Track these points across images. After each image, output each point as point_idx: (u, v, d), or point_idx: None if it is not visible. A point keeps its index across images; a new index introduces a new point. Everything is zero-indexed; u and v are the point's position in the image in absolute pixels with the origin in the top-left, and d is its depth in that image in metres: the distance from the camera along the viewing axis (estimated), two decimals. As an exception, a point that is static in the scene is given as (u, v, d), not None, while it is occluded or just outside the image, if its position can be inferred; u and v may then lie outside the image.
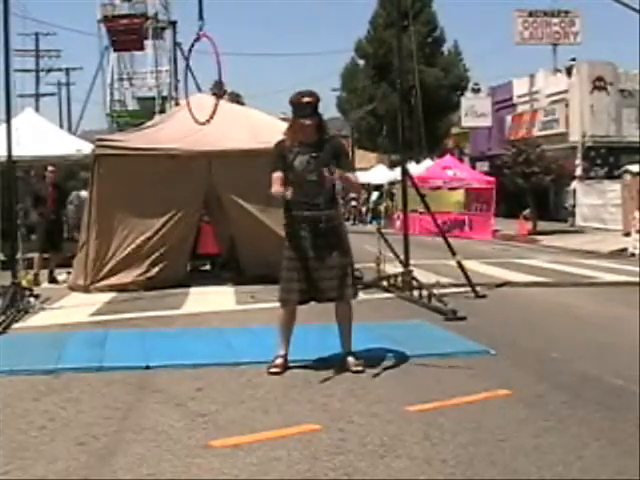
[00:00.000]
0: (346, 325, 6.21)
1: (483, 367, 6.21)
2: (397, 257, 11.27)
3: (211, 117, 9.63)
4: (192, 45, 10.00)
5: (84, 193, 14.15)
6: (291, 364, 6.06)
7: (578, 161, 32.42)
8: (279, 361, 5.99)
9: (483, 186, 29.30)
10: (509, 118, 38.61)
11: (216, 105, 9.70)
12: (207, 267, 13.95)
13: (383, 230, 13.41)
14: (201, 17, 11.35)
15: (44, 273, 12.63)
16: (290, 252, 5.99)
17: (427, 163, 33.13)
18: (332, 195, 6.07)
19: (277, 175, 6.00)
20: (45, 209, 12.97)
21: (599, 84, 33.30)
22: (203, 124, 9.94)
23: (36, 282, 12.05)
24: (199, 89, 12.36)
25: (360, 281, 11.71)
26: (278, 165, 6.02)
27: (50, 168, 13.13)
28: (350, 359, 6.09)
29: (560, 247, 21.95)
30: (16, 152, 10.47)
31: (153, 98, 33.82)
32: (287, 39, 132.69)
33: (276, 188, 5.98)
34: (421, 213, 23.02)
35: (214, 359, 6.40)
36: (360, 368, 5.99)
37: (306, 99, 5.95)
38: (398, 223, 23.73)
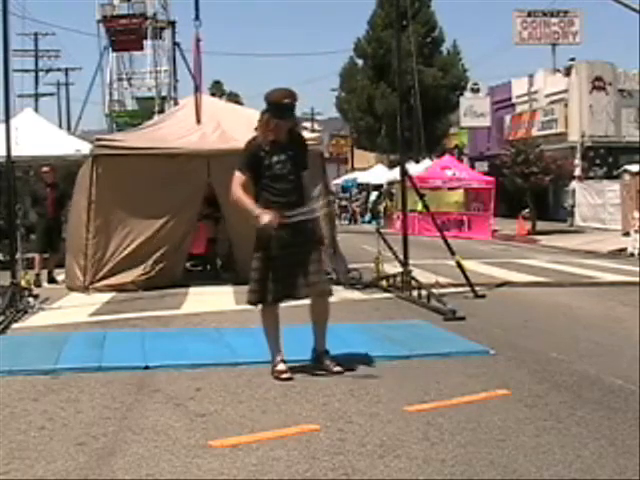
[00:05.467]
0: (322, 323, 6.07)
1: (482, 367, 6.21)
2: (396, 257, 11.26)
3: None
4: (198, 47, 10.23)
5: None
6: (290, 364, 6.04)
7: (577, 161, 32.41)
8: (283, 366, 5.84)
9: (482, 186, 29.34)
10: (508, 118, 38.63)
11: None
12: (199, 267, 13.88)
13: (382, 230, 13.43)
14: (197, 17, 11.39)
15: (43, 273, 12.63)
16: (264, 252, 5.86)
17: (426, 163, 33.17)
18: (304, 192, 5.97)
19: (242, 177, 5.87)
20: (44, 209, 12.96)
21: (598, 84, 33.32)
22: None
23: (37, 283, 12.04)
24: (198, 89, 12.31)
25: (359, 281, 11.78)
26: (248, 164, 5.90)
27: (44, 169, 13.11)
28: (328, 361, 5.99)
29: (559, 247, 21.96)
30: (15, 152, 10.47)
31: (152, 98, 33.78)
32: (286, 39, 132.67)
33: (239, 194, 5.84)
34: (420, 213, 23.11)
35: (213, 359, 6.40)
36: (340, 369, 5.90)
37: (287, 100, 5.84)
38: (397, 223, 23.74)
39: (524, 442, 4.34)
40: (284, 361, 5.90)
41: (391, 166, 37.93)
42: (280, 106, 5.84)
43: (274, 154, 5.86)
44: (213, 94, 43.93)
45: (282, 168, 5.86)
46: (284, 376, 5.75)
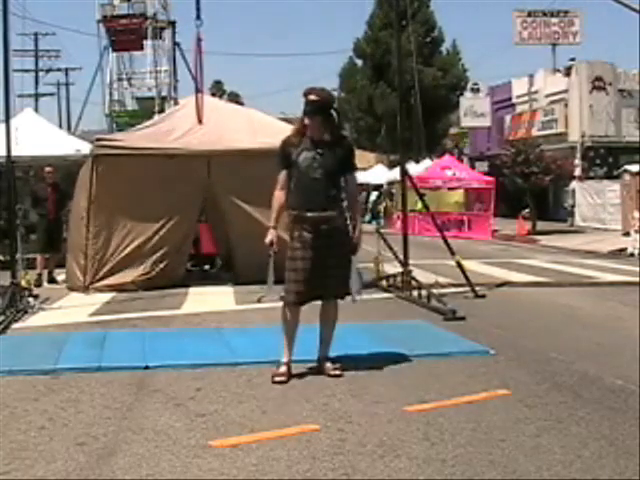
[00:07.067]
0: (330, 327, 6.05)
1: (482, 367, 6.21)
2: (396, 257, 11.26)
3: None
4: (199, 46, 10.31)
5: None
6: (292, 364, 6.02)
7: (577, 161, 32.42)
8: (283, 369, 5.80)
9: (482, 186, 29.33)
10: (508, 118, 38.62)
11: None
12: (206, 267, 13.90)
13: (382, 230, 13.42)
14: (198, 17, 11.38)
15: (44, 273, 12.63)
16: (293, 252, 5.85)
17: (426, 163, 33.15)
18: (335, 194, 5.88)
19: (280, 176, 5.94)
20: (45, 209, 12.96)
21: (598, 84, 33.31)
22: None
23: (38, 283, 12.03)
24: (199, 89, 12.29)
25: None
26: (282, 163, 5.93)
27: (48, 168, 13.13)
28: (328, 364, 5.96)
29: (559, 247, 21.96)
30: (15, 152, 10.46)
31: (152, 98, 33.77)
32: (286, 39, 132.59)
33: (274, 197, 5.96)
34: (420, 213, 23.11)
35: (213, 359, 6.40)
36: (338, 372, 5.87)
37: (311, 97, 5.87)
38: (397, 223, 23.73)
39: (524, 442, 4.34)
40: (288, 365, 5.84)
41: (391, 166, 37.88)
42: (305, 102, 5.90)
43: (303, 151, 5.82)
44: (214, 94, 43.96)
45: (307, 166, 5.79)
46: (277, 379, 5.70)
